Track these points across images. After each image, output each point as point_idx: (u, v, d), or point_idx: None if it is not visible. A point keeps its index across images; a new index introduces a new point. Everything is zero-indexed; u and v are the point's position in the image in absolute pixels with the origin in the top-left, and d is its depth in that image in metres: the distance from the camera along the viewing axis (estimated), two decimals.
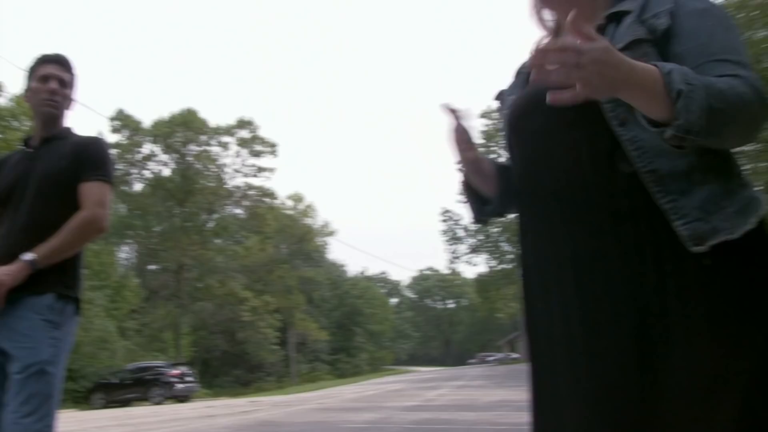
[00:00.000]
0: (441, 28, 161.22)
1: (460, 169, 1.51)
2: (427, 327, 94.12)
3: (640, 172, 1.17)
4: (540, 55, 1.06)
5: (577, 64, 1.04)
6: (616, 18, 1.29)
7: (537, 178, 1.33)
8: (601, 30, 1.27)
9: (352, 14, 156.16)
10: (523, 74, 1.50)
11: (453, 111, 1.42)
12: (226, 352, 43.09)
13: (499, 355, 64.88)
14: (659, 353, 1.13)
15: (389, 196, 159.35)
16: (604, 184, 1.22)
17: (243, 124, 38.44)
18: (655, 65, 1.10)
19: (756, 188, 1.24)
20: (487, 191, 1.50)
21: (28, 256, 2.24)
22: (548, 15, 1.53)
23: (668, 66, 1.10)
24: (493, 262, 47.61)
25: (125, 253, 48.31)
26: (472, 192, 1.53)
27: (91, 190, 2.38)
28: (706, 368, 1.11)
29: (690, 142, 1.08)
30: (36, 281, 2.24)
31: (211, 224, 40.41)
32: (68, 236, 2.30)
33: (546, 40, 1.50)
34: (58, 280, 2.31)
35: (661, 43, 1.22)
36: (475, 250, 49.06)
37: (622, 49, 1.15)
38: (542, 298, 1.32)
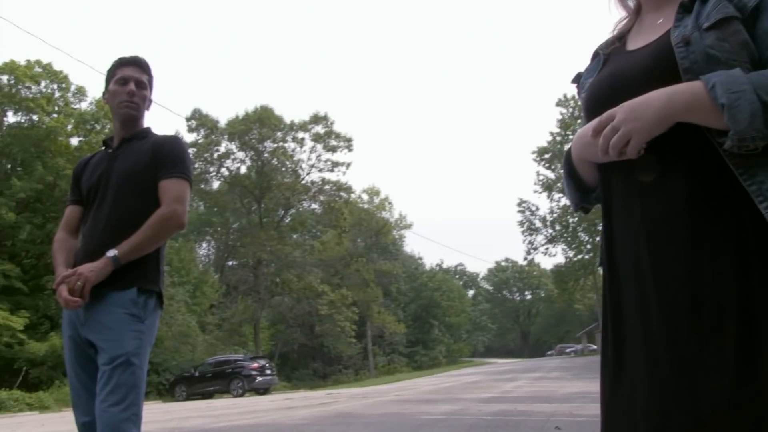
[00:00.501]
0: (515, 15, 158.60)
1: (567, 153, 1.46)
2: (504, 319, 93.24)
3: (723, 155, 1.15)
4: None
5: (614, 128, 1.17)
6: None
7: (619, 163, 1.28)
8: (687, 7, 1.27)
9: (423, 9, 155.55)
10: (599, 56, 1.48)
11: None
12: (304, 345, 43.80)
13: (578, 347, 63.69)
14: (743, 347, 1.10)
15: (465, 188, 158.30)
16: (686, 167, 1.20)
17: (318, 119, 38.74)
18: (701, 79, 1.13)
19: None
20: (591, 178, 1.44)
21: (111, 252, 2.30)
22: None
23: (713, 79, 1.11)
24: (571, 253, 46.70)
25: (204, 249, 49.92)
26: (575, 178, 1.47)
27: (169, 187, 2.45)
28: None
29: (754, 146, 1.09)
30: (119, 276, 2.31)
31: (287, 220, 41.02)
32: (149, 232, 2.36)
33: (624, 23, 1.49)
34: (141, 275, 2.37)
35: (749, 21, 1.19)
36: (552, 240, 48.21)
37: (710, 28, 1.18)
38: (624, 284, 1.30)
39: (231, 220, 42.15)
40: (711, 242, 1.16)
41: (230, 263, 43.90)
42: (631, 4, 1.50)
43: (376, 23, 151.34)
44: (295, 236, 42.38)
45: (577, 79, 1.56)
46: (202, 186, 38.09)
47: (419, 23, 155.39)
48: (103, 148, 2.68)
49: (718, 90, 1.10)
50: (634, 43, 1.39)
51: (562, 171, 1.56)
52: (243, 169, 38.97)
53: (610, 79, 1.33)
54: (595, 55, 1.51)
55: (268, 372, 26.32)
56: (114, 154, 2.56)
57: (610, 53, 1.45)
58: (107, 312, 2.30)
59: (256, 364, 25.89)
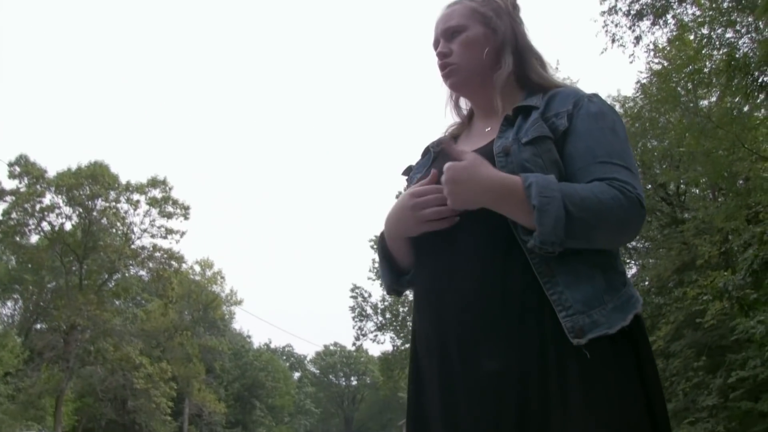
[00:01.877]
0: (355, 103, 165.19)
1: (381, 235, 1.53)
2: (329, 403, 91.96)
3: (534, 268, 1.24)
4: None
5: (443, 185, 1.26)
6: (524, 111, 1.40)
7: (437, 261, 1.37)
8: (510, 121, 1.39)
9: (275, 77, 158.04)
10: (430, 153, 1.59)
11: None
12: (114, 421, 40.39)
13: None
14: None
15: (299, 268, 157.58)
16: (502, 270, 1.28)
17: (156, 183, 37.25)
18: (521, 176, 1.23)
19: (633, 287, 1.34)
20: (407, 261, 1.51)
21: None
22: (463, 103, 1.67)
23: (530, 178, 1.21)
24: (399, 341, 47.47)
25: (9, 309, 45.30)
26: (389, 260, 1.54)
27: None
28: None
29: (552, 250, 1.18)
30: None
31: (111, 284, 38.45)
32: None
33: (455, 127, 1.65)
34: None
35: (559, 142, 1.33)
36: (381, 328, 48.85)
37: (528, 143, 1.30)
38: (428, 370, 1.35)
39: (47, 278, 38.75)
40: (518, 348, 1.23)
41: (38, 326, 40.07)
42: (465, 111, 1.67)
43: (220, 95, 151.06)
44: (117, 303, 39.70)
45: (408, 172, 1.67)
46: (18, 239, 34.93)
47: (260, 96, 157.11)
48: None
49: (533, 190, 1.19)
50: (463, 147, 1.51)
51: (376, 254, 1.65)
52: (68, 226, 36.31)
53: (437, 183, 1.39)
54: (426, 151, 1.63)
55: None
56: None
57: (439, 152, 1.57)
58: None
59: None
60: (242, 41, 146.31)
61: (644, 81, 14.30)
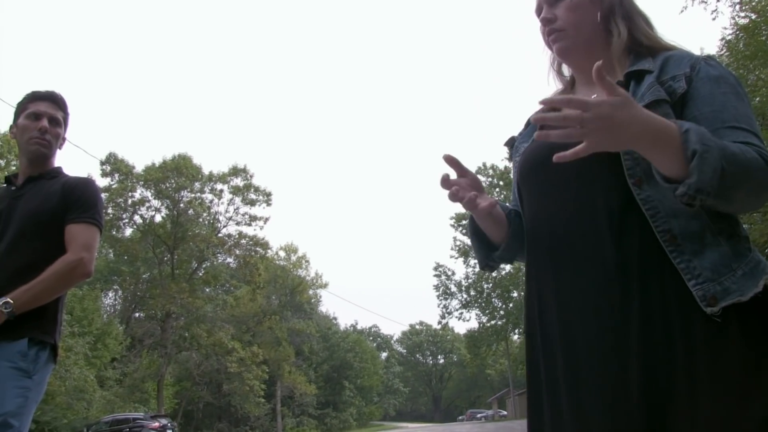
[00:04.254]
0: (445, 84, 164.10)
1: (471, 215, 1.51)
2: (417, 382, 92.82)
3: (655, 232, 1.21)
4: (546, 106, 1.13)
5: (582, 119, 1.08)
6: (637, 76, 1.35)
7: (547, 230, 1.36)
8: (622, 86, 1.28)
9: (351, 66, 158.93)
10: (532, 125, 1.54)
11: (455, 162, 1.41)
12: (211, 404, 42.11)
13: (489, 412, 63.86)
14: (666, 410, 1.15)
15: (383, 249, 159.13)
16: (616, 240, 1.25)
17: (237, 171, 38.29)
18: (675, 122, 1.15)
19: (758, 252, 1.27)
20: (497, 237, 1.51)
21: (4, 299, 2.10)
22: (565, 70, 1.61)
23: (686, 125, 1.14)
24: (484, 319, 47.30)
25: (110, 299, 47.74)
26: (480, 237, 1.54)
27: (78, 232, 2.29)
28: (712, 428, 1.11)
29: (700, 201, 1.11)
30: (11, 325, 2.10)
31: (201, 272, 39.88)
32: (50, 280, 2.18)
33: (560, 96, 1.49)
34: (35, 324, 2.17)
35: (677, 106, 1.29)
36: (466, 305, 48.75)
37: (646, 107, 1.19)
38: (543, 347, 1.34)
39: (142, 269, 40.59)
40: (639, 312, 1.20)
41: (137, 315, 42.08)
42: (567, 76, 1.61)
43: (300, 82, 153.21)
44: (207, 290, 41.17)
45: (511, 143, 1.63)
46: (114, 233, 36.64)
47: (342, 81, 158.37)
48: (5, 185, 2.52)
49: (692, 136, 1.11)
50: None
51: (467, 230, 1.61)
52: (158, 218, 37.86)
53: (544, 145, 1.36)
54: (529, 121, 1.58)
55: None
56: (18, 192, 2.40)
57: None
58: None
59: (156, 424, 24.54)
60: (324, 30, 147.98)
61: (729, 37, 13.51)
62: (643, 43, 1.43)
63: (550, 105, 1.12)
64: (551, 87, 1.64)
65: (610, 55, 1.44)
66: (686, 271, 1.18)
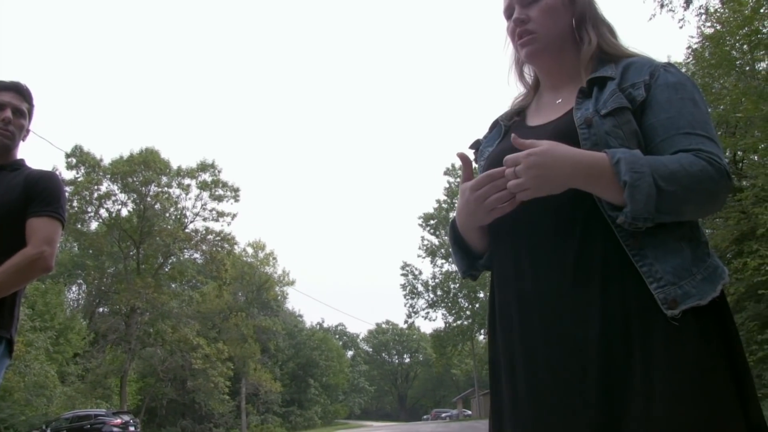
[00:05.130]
0: (419, 80, 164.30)
1: (453, 222, 1.51)
2: (382, 381, 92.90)
3: (618, 237, 1.24)
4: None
5: (516, 173, 1.22)
6: (599, 83, 1.37)
7: (511, 235, 1.38)
8: (586, 93, 1.37)
9: (320, 62, 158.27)
10: (500, 126, 1.56)
11: (468, 163, 1.41)
12: (174, 400, 41.63)
13: (453, 412, 64.26)
14: (622, 410, 1.17)
15: (350, 248, 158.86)
16: (579, 246, 1.27)
17: (205, 167, 37.91)
18: (606, 153, 1.21)
19: (717, 257, 1.31)
20: (479, 245, 1.50)
21: None
22: (529, 71, 1.61)
23: (618, 154, 1.20)
24: (450, 318, 47.52)
25: (74, 293, 46.92)
26: (462, 246, 1.52)
27: (39, 226, 2.25)
28: (666, 425, 1.13)
29: (644, 225, 1.18)
30: None
31: (167, 268, 39.44)
32: (9, 273, 2.14)
33: (522, 99, 1.59)
34: None
35: (637, 113, 1.31)
36: (432, 305, 48.92)
37: (609, 114, 1.29)
38: (504, 352, 1.36)
39: (107, 264, 39.98)
40: (599, 317, 1.23)
41: (101, 310, 41.43)
42: (529, 80, 1.61)
43: (269, 78, 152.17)
44: (173, 285, 40.70)
45: (476, 146, 1.62)
46: (79, 226, 36.05)
47: (310, 78, 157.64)
48: None
49: (622, 166, 1.18)
50: (534, 120, 1.51)
51: (447, 239, 1.60)
52: (124, 212, 37.34)
53: (512, 151, 1.36)
54: (495, 124, 1.60)
55: (132, 429, 24.77)
56: None
57: (511, 126, 1.54)
58: None
59: (118, 420, 24.25)
60: (293, 23, 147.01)
61: (696, 46, 13.83)
62: (606, 51, 1.46)
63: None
64: (512, 89, 1.64)
65: (578, 60, 1.47)
66: (648, 275, 1.21)
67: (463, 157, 1.40)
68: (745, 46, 12.46)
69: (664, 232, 1.24)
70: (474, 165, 1.47)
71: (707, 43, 13.29)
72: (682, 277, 1.21)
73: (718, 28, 13.14)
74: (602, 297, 1.24)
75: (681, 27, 13.55)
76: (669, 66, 1.40)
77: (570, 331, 1.25)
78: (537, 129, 1.44)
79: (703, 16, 13.40)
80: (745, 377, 1.23)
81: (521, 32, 1.48)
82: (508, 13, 1.52)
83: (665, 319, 1.18)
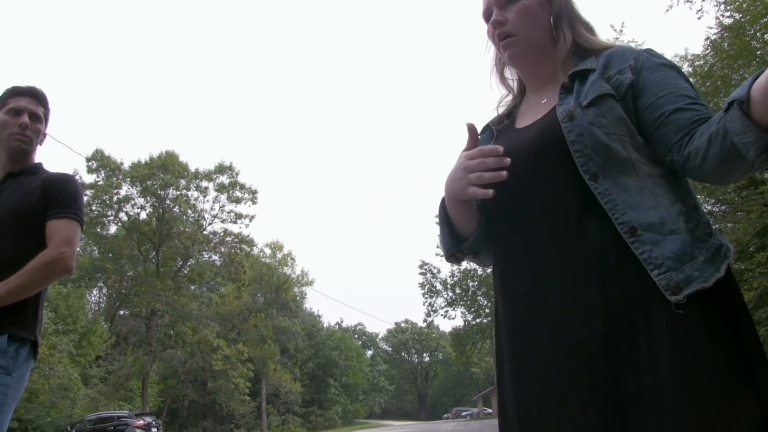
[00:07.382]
0: (431, 81, 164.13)
1: (443, 200, 1.49)
2: (402, 380, 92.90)
3: (615, 224, 1.23)
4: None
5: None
6: (581, 76, 1.39)
7: (507, 231, 1.39)
8: (568, 88, 1.39)
9: (336, 63, 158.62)
10: (491, 130, 1.57)
11: (474, 133, 1.42)
12: (195, 402, 41.95)
13: (474, 410, 64.14)
14: (630, 400, 1.16)
15: (368, 247, 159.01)
16: (576, 236, 1.27)
17: (222, 169, 38.10)
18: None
19: (722, 235, 1.28)
20: (467, 226, 1.49)
21: None
22: (511, 74, 1.62)
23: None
24: (470, 317, 47.34)
25: (95, 296, 47.39)
26: (450, 225, 1.52)
27: (59, 228, 2.27)
28: (676, 417, 1.11)
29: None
30: None
31: (186, 270, 39.71)
32: (31, 275, 2.15)
33: (508, 102, 1.62)
34: (15, 320, 2.14)
35: (627, 96, 1.33)
36: (451, 303, 48.77)
37: (590, 104, 1.30)
38: (509, 349, 1.36)
39: (126, 267, 40.32)
40: (602, 309, 1.23)
41: (122, 312, 41.83)
42: (512, 84, 1.63)
43: (285, 81, 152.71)
44: (192, 287, 40.97)
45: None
46: (98, 230, 36.39)
47: (328, 79, 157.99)
48: None
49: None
50: (522, 122, 1.52)
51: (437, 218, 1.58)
52: (143, 215, 37.64)
53: (506, 149, 1.37)
54: (486, 128, 1.62)
55: (154, 430, 24.93)
56: None
57: (501, 130, 1.56)
58: None
59: (141, 422, 24.45)
60: (307, 29, 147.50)
61: (714, 37, 13.65)
62: (584, 47, 1.47)
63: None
64: (494, 91, 1.65)
65: (556, 60, 1.47)
66: (648, 262, 1.20)
67: (470, 127, 1.41)
68: (766, 36, 12.28)
69: (662, 215, 1.24)
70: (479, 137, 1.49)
71: (726, 34, 13.09)
72: (683, 261, 1.19)
73: (738, 17, 12.96)
74: (602, 292, 1.23)
75: (699, 18, 13.32)
76: (651, 50, 1.41)
77: (573, 329, 1.24)
78: (524, 130, 1.46)
79: (722, 6, 13.21)
80: (756, 356, 1.20)
81: (500, 34, 1.49)
82: (487, 15, 1.53)
83: (668, 306, 1.16)
